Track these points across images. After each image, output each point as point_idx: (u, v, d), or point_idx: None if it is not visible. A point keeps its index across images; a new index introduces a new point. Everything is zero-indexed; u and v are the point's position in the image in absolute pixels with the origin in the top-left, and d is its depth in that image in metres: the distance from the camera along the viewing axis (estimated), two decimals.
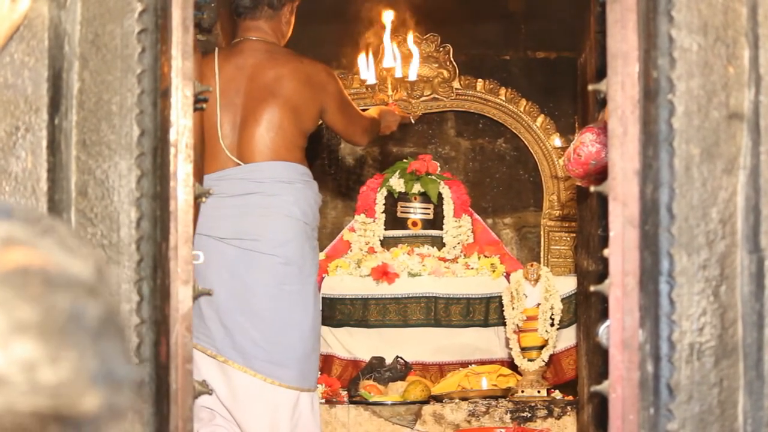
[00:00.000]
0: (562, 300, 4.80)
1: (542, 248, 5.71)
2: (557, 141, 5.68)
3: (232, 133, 3.36)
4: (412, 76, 4.39)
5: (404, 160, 5.61)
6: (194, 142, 3.36)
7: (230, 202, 3.34)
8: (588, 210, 4.21)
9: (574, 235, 5.40)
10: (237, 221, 3.32)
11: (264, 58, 3.45)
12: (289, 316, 3.30)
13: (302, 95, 3.41)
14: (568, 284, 4.92)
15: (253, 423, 3.27)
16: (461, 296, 5.08)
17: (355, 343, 5.03)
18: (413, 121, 4.35)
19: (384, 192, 5.48)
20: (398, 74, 4.21)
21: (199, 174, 3.36)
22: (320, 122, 3.61)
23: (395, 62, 4.19)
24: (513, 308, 4.78)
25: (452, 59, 5.75)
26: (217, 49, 3.51)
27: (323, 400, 4.46)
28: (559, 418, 4.59)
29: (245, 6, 3.51)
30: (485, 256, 5.30)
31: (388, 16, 4.38)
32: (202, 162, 3.36)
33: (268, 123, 3.35)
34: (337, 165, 5.99)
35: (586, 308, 4.33)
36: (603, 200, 2.28)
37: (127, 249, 2.00)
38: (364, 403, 4.58)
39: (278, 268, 3.31)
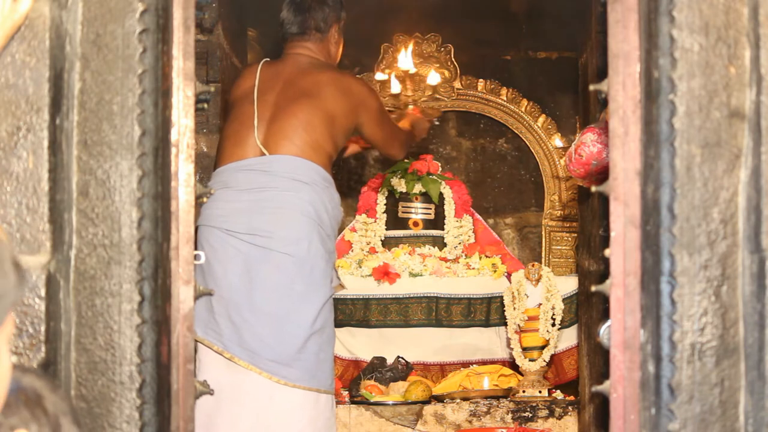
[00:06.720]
0: (564, 300, 4.79)
1: (543, 248, 5.71)
2: (558, 141, 5.68)
3: (262, 126, 3.41)
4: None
5: (405, 160, 5.61)
6: (226, 133, 3.51)
7: (245, 196, 3.34)
8: (589, 210, 4.21)
9: (576, 235, 5.40)
10: (250, 217, 3.32)
11: (304, 67, 3.55)
12: (297, 315, 3.28)
13: (339, 104, 3.48)
14: (570, 284, 4.92)
15: (254, 421, 3.26)
16: (462, 296, 5.08)
17: (357, 343, 5.03)
18: (437, 122, 4.46)
19: (385, 192, 5.49)
20: (411, 69, 4.44)
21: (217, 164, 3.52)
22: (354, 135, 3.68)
23: (408, 62, 4.41)
24: (514, 308, 4.78)
25: (453, 59, 5.75)
26: (264, 60, 3.63)
27: None
28: (560, 418, 4.59)
29: (292, 32, 3.62)
30: (486, 256, 5.29)
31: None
32: (224, 154, 3.45)
33: (298, 120, 3.41)
34: (338, 165, 5.98)
35: (588, 308, 4.33)
36: (604, 200, 2.28)
37: (128, 249, 2.00)
38: (366, 403, 4.58)
39: (289, 267, 3.29)
